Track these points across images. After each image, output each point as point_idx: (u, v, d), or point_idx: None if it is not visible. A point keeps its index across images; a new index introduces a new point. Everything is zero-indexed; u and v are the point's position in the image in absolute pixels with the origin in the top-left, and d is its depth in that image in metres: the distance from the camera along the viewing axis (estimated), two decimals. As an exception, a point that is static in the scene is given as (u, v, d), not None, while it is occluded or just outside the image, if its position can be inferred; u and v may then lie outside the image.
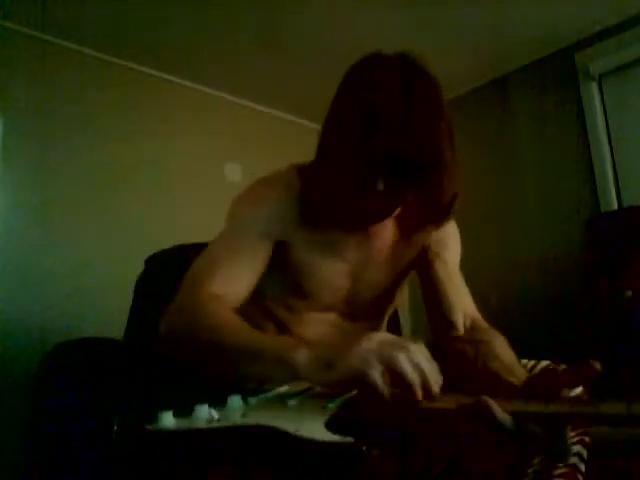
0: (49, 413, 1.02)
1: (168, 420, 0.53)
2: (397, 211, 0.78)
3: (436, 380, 0.56)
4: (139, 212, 2.36)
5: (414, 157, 0.68)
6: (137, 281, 1.36)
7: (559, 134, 2.47)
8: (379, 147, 0.68)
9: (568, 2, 2.11)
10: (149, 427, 0.52)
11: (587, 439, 0.55)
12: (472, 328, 0.88)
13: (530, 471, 0.53)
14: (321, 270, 0.86)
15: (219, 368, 0.68)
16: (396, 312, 1.25)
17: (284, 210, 0.82)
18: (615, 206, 2.25)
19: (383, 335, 0.60)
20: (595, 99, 2.35)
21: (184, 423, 0.53)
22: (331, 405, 0.55)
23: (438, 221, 0.84)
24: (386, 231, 0.88)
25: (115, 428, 0.51)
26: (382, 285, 0.93)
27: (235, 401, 0.57)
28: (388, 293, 0.96)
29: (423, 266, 0.94)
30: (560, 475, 0.52)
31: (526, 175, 2.58)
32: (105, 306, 2.03)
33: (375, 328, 0.99)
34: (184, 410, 0.54)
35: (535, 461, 0.53)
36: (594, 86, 2.36)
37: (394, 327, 1.24)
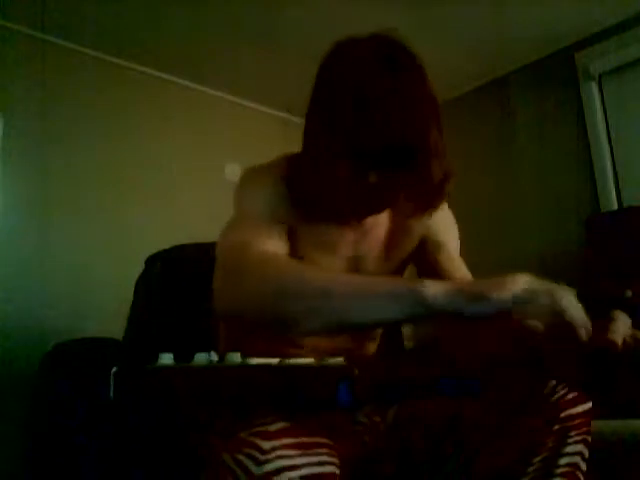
0: (49, 412, 1.02)
1: (168, 360, 0.53)
2: (395, 201, 0.77)
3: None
4: (139, 212, 2.35)
5: (404, 143, 0.66)
6: (137, 281, 1.36)
7: (559, 134, 2.46)
8: (369, 141, 0.66)
9: (568, 2, 2.11)
10: (149, 366, 0.52)
11: (589, 438, 0.55)
12: None
13: (531, 470, 0.53)
14: (315, 262, 0.83)
15: (325, 320, 0.60)
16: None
17: (278, 198, 0.80)
18: (615, 206, 2.25)
19: (524, 275, 0.59)
20: (595, 99, 2.35)
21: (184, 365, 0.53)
22: (329, 358, 0.55)
23: (433, 204, 0.80)
24: (383, 223, 0.86)
25: (114, 370, 0.51)
26: None
27: (234, 356, 0.58)
28: None
29: (423, 258, 0.92)
30: (561, 474, 0.52)
31: (526, 175, 2.57)
32: (105, 306, 2.03)
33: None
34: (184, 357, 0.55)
35: (536, 459, 0.53)
36: (594, 86, 2.36)
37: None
